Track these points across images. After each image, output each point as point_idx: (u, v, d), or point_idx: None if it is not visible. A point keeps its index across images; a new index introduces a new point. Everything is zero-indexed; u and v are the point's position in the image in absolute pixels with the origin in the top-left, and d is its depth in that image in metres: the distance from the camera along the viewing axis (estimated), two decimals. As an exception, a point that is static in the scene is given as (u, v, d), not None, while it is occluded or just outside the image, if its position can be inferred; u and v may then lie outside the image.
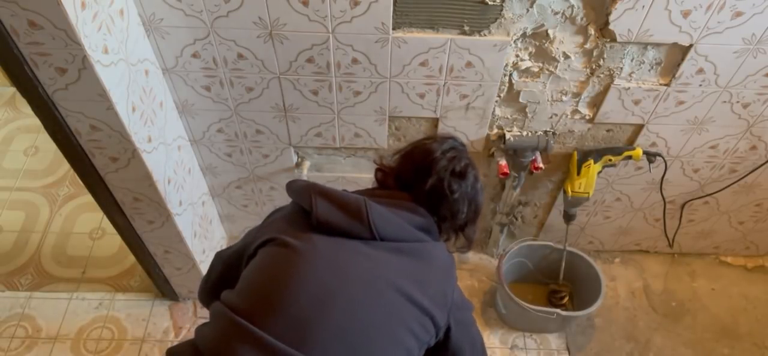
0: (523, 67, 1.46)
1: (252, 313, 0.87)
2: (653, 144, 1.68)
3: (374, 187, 1.10)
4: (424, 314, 0.94)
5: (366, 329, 0.89)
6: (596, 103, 1.56)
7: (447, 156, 1.03)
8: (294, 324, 0.86)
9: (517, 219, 2.07)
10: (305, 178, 1.82)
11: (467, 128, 1.64)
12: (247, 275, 0.96)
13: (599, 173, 1.71)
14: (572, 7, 1.30)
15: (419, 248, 0.98)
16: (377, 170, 1.10)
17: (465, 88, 1.50)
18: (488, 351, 1.98)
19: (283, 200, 1.17)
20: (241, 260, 1.03)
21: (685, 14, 1.29)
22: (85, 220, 2.34)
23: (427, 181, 1.01)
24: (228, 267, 1.08)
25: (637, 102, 1.53)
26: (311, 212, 0.94)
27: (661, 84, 1.49)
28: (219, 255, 1.13)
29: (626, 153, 1.66)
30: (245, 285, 0.94)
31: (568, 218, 1.87)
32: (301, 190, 0.99)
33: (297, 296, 0.88)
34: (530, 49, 1.41)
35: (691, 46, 1.37)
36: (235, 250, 1.07)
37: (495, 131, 1.66)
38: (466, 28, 1.35)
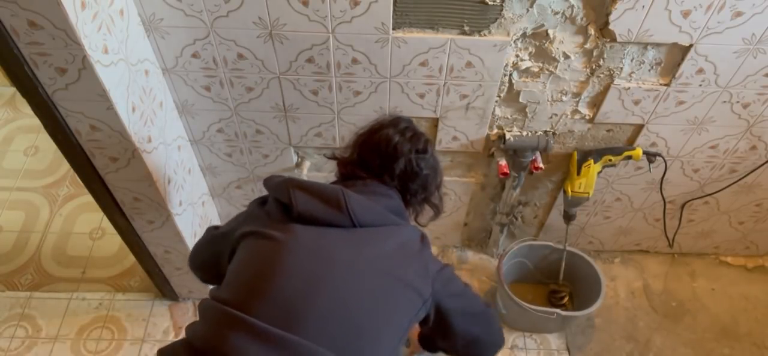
0: (523, 67, 1.46)
1: (241, 303, 0.89)
2: (653, 144, 1.68)
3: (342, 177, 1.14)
4: (410, 289, 0.97)
5: (356, 310, 0.91)
6: (596, 103, 1.56)
7: (406, 137, 1.08)
8: (283, 309, 0.88)
9: (517, 219, 2.07)
10: (305, 178, 1.82)
11: (467, 128, 1.64)
12: (233, 269, 0.98)
13: (599, 173, 1.71)
14: (572, 7, 1.30)
15: (396, 231, 1.02)
16: (339, 165, 1.14)
17: (465, 88, 1.50)
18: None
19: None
20: (227, 241, 1.05)
21: (685, 14, 1.29)
22: (85, 220, 2.34)
23: (397, 166, 1.06)
24: (215, 247, 1.11)
25: (637, 102, 1.53)
26: (291, 206, 0.96)
27: (661, 84, 1.49)
28: (211, 233, 1.15)
29: (626, 153, 1.66)
30: (232, 278, 0.97)
31: (568, 218, 1.87)
32: (278, 185, 1.01)
33: (284, 284, 0.90)
34: (530, 49, 1.41)
35: (691, 46, 1.37)
36: (223, 232, 1.09)
37: (495, 131, 1.66)
38: (466, 28, 1.35)
